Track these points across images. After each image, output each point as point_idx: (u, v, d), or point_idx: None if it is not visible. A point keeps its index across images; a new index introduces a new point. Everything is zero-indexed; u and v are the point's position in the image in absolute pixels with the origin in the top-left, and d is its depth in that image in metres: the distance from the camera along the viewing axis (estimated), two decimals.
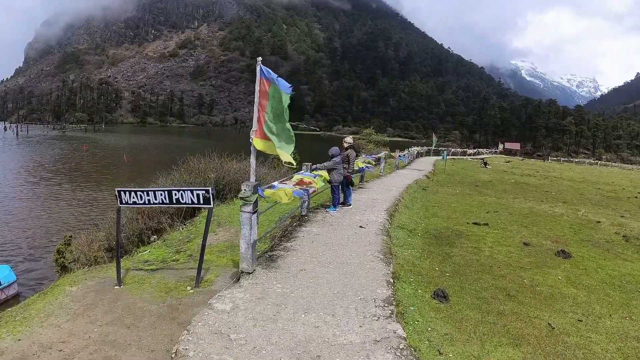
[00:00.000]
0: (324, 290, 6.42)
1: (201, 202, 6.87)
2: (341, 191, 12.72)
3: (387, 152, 32.36)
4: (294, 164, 7.01)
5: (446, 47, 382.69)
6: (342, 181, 12.36)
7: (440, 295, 6.56)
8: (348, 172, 12.62)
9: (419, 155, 44.86)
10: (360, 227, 10.32)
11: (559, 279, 7.95)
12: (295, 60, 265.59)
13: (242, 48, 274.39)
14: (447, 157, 33.02)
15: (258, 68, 6.72)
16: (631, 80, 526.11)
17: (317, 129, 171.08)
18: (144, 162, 49.24)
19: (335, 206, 12.29)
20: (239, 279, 6.83)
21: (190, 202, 6.91)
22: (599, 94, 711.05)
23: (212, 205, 6.88)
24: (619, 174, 57.64)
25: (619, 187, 30.85)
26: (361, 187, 17.56)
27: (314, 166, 11.40)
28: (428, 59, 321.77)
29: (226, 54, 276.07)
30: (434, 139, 52.24)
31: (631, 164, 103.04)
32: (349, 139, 13.14)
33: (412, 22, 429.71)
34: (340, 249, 8.50)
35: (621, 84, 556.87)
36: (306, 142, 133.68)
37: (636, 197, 24.73)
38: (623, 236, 12.46)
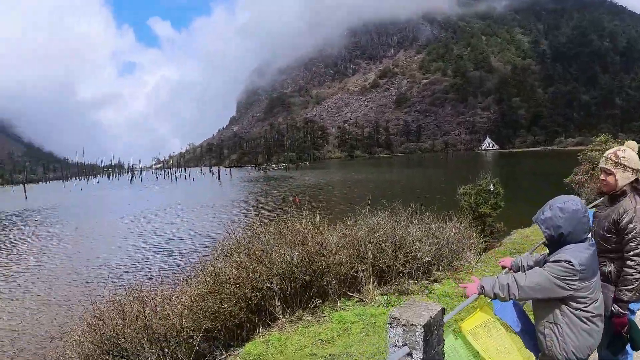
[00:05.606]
0: None
1: None
2: None
3: None
4: None
5: None
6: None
7: None
8: (626, 289, 3.10)
9: None
10: None
11: None
12: (501, 72, 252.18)
13: (443, 68, 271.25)
14: None
15: None
16: None
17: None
18: (317, 203, 51.21)
19: None
20: None
21: None
22: None
23: None
24: None
25: None
26: None
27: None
28: None
29: (427, 77, 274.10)
30: None
31: None
32: (629, 154, 3.26)
33: (623, 5, 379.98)
34: None
35: None
36: (520, 160, 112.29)
37: None
38: None
